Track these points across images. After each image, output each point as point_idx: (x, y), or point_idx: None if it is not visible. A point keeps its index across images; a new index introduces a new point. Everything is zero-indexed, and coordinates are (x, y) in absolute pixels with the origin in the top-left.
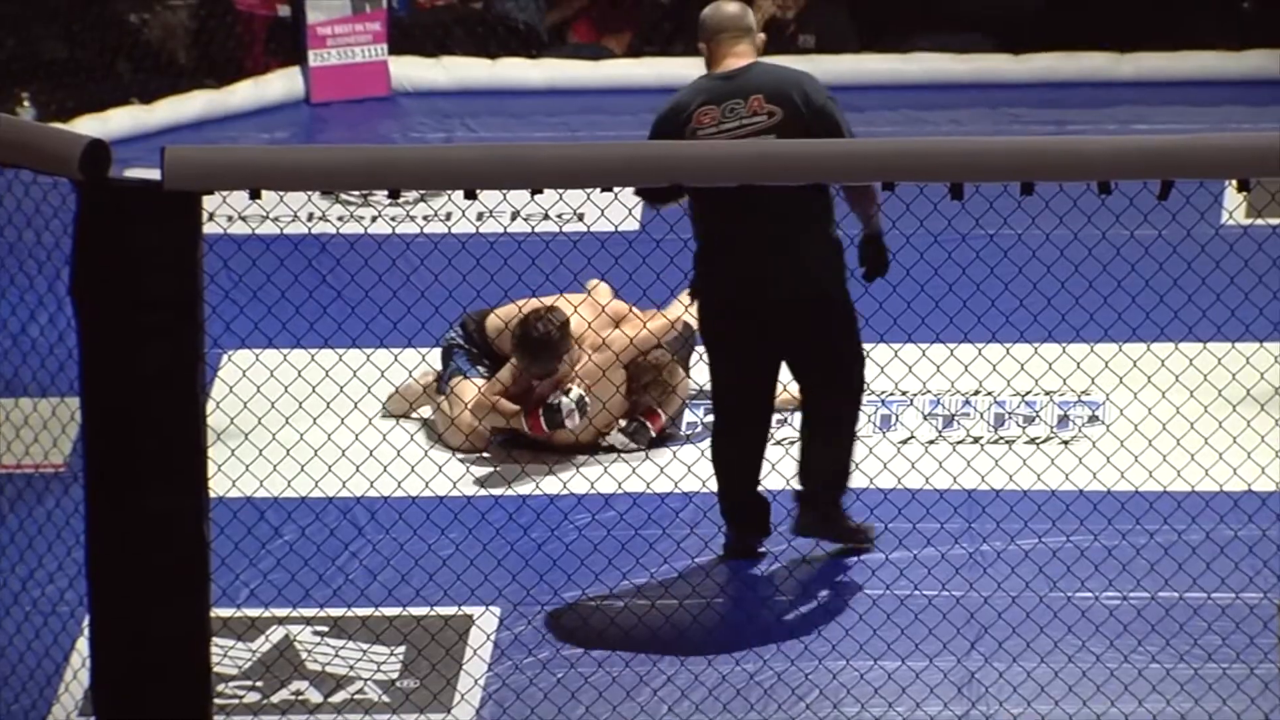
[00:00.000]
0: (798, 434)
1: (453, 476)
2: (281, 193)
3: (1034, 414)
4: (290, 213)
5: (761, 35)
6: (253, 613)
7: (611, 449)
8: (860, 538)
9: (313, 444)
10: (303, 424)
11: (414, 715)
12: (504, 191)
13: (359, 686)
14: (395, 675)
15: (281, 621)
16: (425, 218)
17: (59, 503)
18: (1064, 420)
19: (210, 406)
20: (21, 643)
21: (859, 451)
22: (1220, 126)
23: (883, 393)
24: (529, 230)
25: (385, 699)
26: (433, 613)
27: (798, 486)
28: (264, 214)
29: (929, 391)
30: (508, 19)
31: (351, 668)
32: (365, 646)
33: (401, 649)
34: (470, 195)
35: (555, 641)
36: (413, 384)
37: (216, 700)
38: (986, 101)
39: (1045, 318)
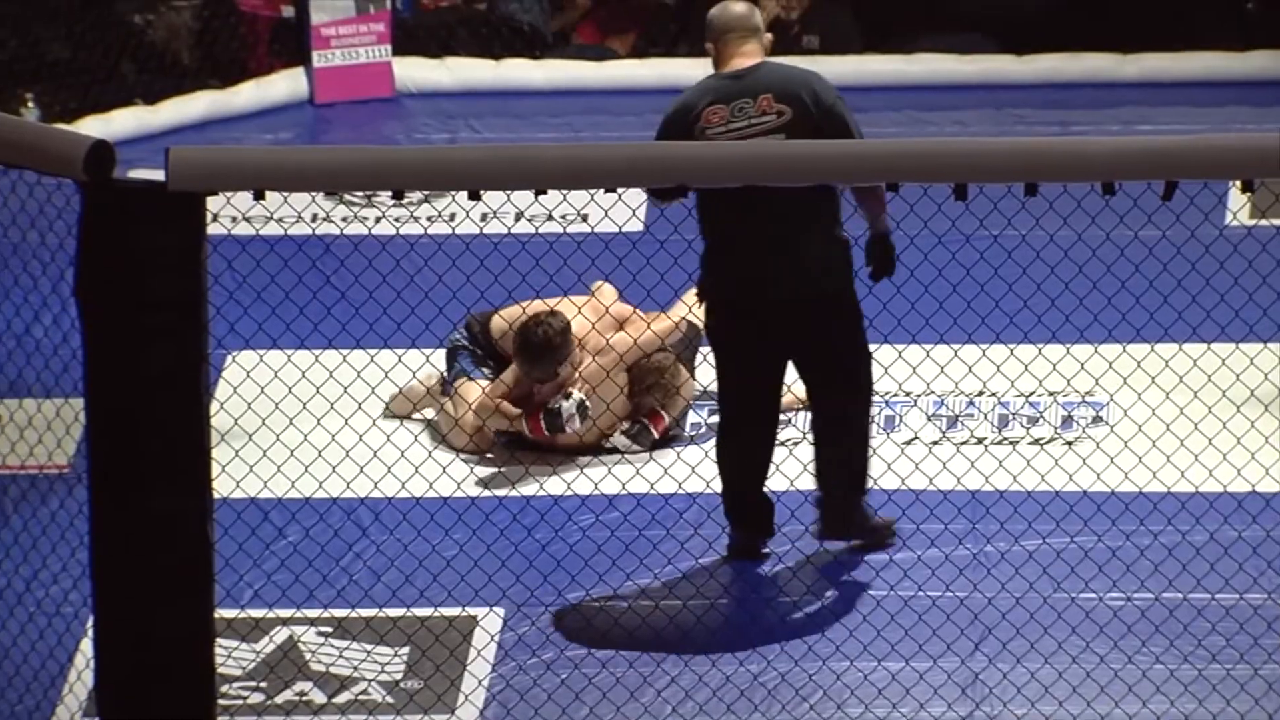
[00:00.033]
0: (801, 435)
1: (457, 477)
2: (285, 193)
3: (1038, 415)
4: (294, 213)
5: (769, 35)
6: (257, 613)
7: (615, 450)
8: (882, 536)
9: (316, 445)
10: (306, 425)
11: (418, 716)
12: (508, 192)
13: (363, 687)
14: (399, 676)
15: (285, 622)
16: (429, 218)
17: (63, 503)
18: (1068, 421)
19: (214, 407)
20: (26, 643)
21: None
22: (1224, 127)
23: (887, 394)
24: (533, 231)
25: (389, 700)
26: (437, 614)
27: (816, 491)
28: (268, 215)
29: (933, 392)
30: (512, 20)
31: (355, 669)
32: (369, 647)
33: (405, 650)
34: (474, 196)
35: (559, 642)
36: (416, 385)
37: (220, 701)
38: (990, 102)
39: (1049, 318)
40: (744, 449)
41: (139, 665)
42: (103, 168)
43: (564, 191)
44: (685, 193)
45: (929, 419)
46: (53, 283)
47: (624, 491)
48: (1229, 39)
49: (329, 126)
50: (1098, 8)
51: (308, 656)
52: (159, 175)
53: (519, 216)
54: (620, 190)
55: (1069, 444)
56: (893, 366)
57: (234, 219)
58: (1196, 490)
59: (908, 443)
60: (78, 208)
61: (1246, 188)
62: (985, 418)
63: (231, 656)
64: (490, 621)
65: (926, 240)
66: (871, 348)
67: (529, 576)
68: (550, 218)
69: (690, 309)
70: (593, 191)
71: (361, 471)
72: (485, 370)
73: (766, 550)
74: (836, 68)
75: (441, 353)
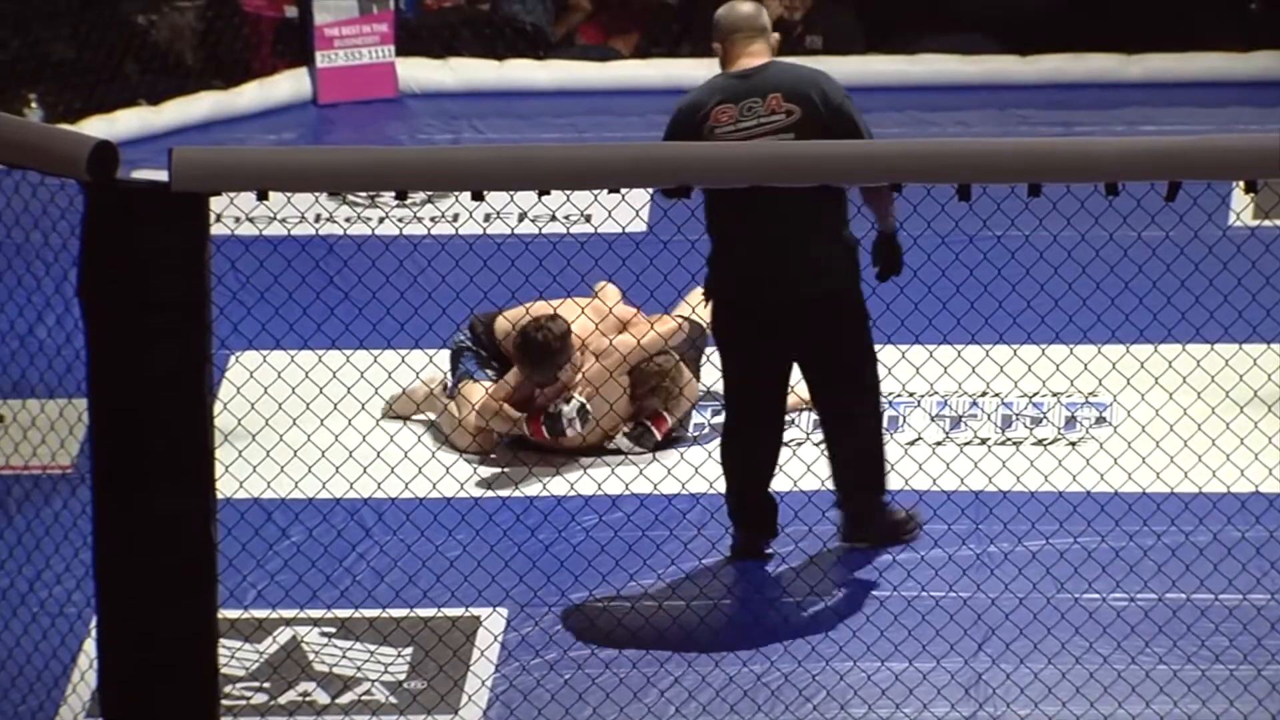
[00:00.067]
0: (805, 436)
1: (460, 478)
2: (289, 194)
3: (1041, 415)
4: (297, 214)
5: (776, 35)
6: (260, 614)
7: (618, 452)
8: (907, 529)
9: (320, 445)
10: (310, 425)
11: (421, 716)
12: (511, 193)
13: (366, 688)
14: (402, 676)
15: (289, 623)
16: (432, 219)
17: (66, 504)
18: (1071, 421)
19: (217, 408)
20: (29, 643)
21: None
22: (1228, 128)
23: (890, 394)
24: (536, 232)
25: (392, 700)
26: (440, 614)
27: (836, 493)
28: (271, 215)
29: (936, 393)
30: (515, 20)
31: (359, 669)
32: (372, 648)
33: (409, 650)
34: (477, 196)
35: (563, 643)
36: (419, 385)
37: (224, 701)
38: (994, 103)
39: (1052, 319)
40: (749, 449)
41: (142, 666)
42: (106, 168)
43: (567, 192)
44: (689, 192)
45: (932, 420)
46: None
47: (627, 492)
48: (1233, 40)
49: (332, 127)
50: (1101, 8)
51: (311, 657)
52: (162, 176)
53: (522, 217)
54: (624, 191)
55: (1072, 444)
56: (896, 367)
57: (237, 219)
58: (1200, 491)
59: (911, 443)
60: (81, 208)
61: (1250, 188)
62: (989, 418)
63: (235, 657)
64: (494, 622)
65: (930, 241)
66: (875, 348)
67: (532, 577)
68: (553, 218)
69: (694, 309)
70: (596, 192)
71: (365, 472)
72: (489, 372)
73: (770, 551)
74: (839, 68)
75: (445, 354)
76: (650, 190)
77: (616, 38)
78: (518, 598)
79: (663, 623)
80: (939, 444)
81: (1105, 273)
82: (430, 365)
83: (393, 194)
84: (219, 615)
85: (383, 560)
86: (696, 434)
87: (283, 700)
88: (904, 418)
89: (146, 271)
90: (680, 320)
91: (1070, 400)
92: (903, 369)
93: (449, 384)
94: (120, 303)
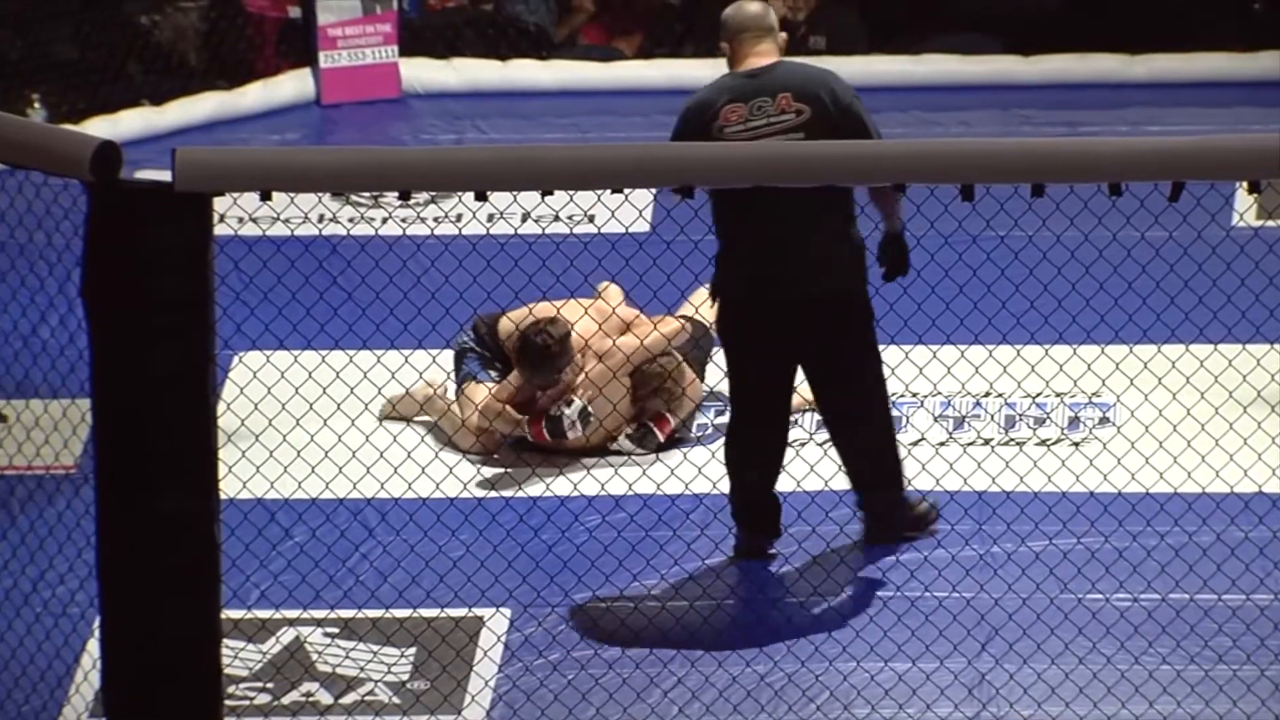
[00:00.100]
0: (809, 436)
1: (463, 478)
2: (292, 194)
3: (1045, 416)
4: (301, 214)
5: (783, 35)
6: (263, 614)
7: (620, 453)
8: (928, 523)
9: (323, 445)
10: (313, 425)
11: (424, 717)
12: (514, 193)
13: (369, 688)
14: (406, 677)
15: (292, 623)
16: (436, 219)
17: (69, 504)
18: (1075, 422)
19: (221, 408)
20: (32, 644)
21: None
22: (1231, 128)
23: (893, 394)
24: (539, 232)
25: (396, 700)
26: (443, 614)
27: (854, 495)
28: (275, 215)
29: (939, 393)
30: (518, 21)
31: (362, 669)
32: (376, 648)
33: (412, 651)
34: (481, 197)
35: (565, 643)
36: (421, 386)
37: (227, 702)
38: (997, 103)
39: (1056, 319)
40: (753, 449)
41: (145, 666)
42: (109, 168)
43: (570, 192)
44: (691, 191)
45: (935, 420)
46: (59, 283)
47: (630, 492)
48: (1236, 40)
49: (335, 127)
50: (1104, 8)
51: (314, 657)
52: (166, 176)
53: (525, 217)
54: (627, 191)
55: (1075, 445)
56: (899, 367)
57: (240, 219)
58: (1203, 491)
59: (914, 443)
60: (84, 208)
61: (1253, 189)
62: (992, 418)
63: (238, 657)
64: (496, 622)
65: (933, 241)
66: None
67: (535, 577)
68: (557, 218)
69: (698, 309)
70: (599, 192)
71: (368, 472)
72: (493, 372)
73: (773, 551)
74: (843, 68)
75: (448, 354)
76: (654, 190)
77: (619, 38)
78: (521, 598)
79: (666, 623)
80: (942, 444)
81: (1109, 273)
82: (433, 366)
83: (396, 194)
84: (222, 615)
85: (386, 560)
86: (700, 434)
87: (286, 701)
88: (907, 418)
89: (150, 272)
90: (683, 321)
91: (1074, 400)
92: (906, 369)
93: (450, 385)
94: (123, 303)
